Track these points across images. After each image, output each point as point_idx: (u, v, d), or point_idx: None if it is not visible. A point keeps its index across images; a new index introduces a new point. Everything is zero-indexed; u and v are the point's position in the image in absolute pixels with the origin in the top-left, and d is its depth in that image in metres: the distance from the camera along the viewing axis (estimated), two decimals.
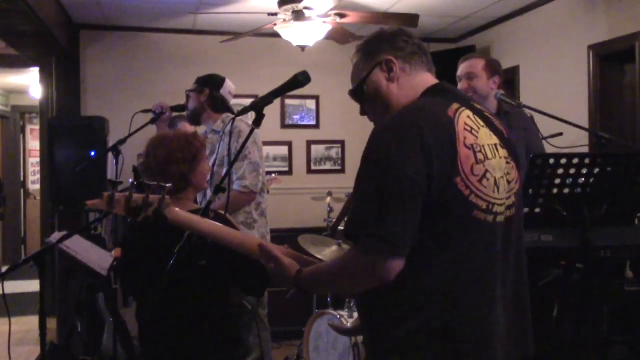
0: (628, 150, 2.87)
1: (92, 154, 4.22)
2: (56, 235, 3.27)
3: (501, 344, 1.38)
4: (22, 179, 9.21)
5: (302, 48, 4.16)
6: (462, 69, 2.97)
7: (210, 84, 3.27)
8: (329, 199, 4.59)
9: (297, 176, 5.53)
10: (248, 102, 1.89)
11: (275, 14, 3.97)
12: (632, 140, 3.76)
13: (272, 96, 1.70)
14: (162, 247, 1.84)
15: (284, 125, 5.56)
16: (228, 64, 5.01)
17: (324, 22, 3.99)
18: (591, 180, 2.39)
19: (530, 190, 2.38)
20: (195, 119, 3.33)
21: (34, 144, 9.28)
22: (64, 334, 4.54)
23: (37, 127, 7.56)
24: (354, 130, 5.35)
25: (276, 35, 4.16)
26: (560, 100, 4.26)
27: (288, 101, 5.51)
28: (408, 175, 1.28)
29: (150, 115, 3.39)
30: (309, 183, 5.51)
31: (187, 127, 3.66)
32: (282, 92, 1.71)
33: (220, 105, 3.27)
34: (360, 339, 3.25)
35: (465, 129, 1.36)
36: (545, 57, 4.50)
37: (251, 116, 1.71)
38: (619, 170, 2.39)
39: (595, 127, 3.86)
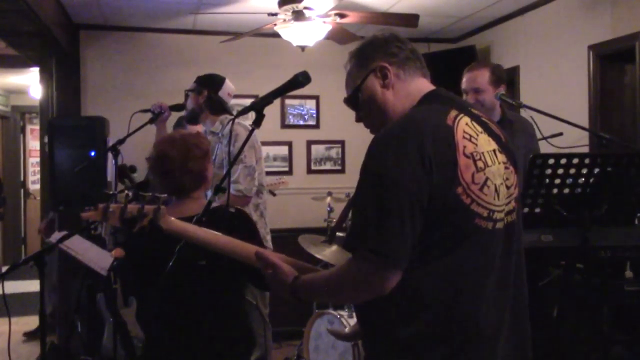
0: (628, 150, 2.87)
1: (92, 154, 4.22)
2: (56, 235, 3.27)
3: (500, 349, 1.38)
4: (22, 179, 9.22)
5: (302, 48, 4.16)
6: (467, 83, 2.96)
7: (209, 85, 3.27)
8: (329, 199, 4.59)
9: (297, 176, 5.53)
10: (248, 102, 1.89)
11: (275, 14, 3.97)
12: (632, 140, 3.76)
13: (272, 96, 1.70)
14: (164, 247, 1.84)
15: (284, 125, 5.56)
16: (228, 64, 5.00)
17: (324, 22, 3.99)
18: (591, 180, 2.39)
19: (530, 190, 2.38)
20: (193, 119, 3.33)
21: (34, 144, 9.28)
22: (64, 334, 4.54)
23: (37, 127, 7.55)
24: (354, 130, 5.29)
25: (276, 35, 4.16)
26: (560, 100, 4.26)
27: (288, 101, 5.52)
28: (407, 187, 1.28)
29: (149, 115, 3.39)
30: (309, 183, 5.51)
31: (195, 127, 3.67)
32: (282, 92, 1.71)
33: (218, 107, 3.27)
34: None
35: (464, 137, 1.36)
36: (545, 57, 4.50)
37: (251, 116, 1.71)
38: (619, 170, 2.39)
39: (595, 127, 3.86)
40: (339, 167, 5.67)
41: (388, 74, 1.50)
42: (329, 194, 4.62)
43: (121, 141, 3.14)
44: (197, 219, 1.72)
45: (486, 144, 1.40)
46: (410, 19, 3.83)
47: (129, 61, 5.23)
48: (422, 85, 1.53)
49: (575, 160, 2.35)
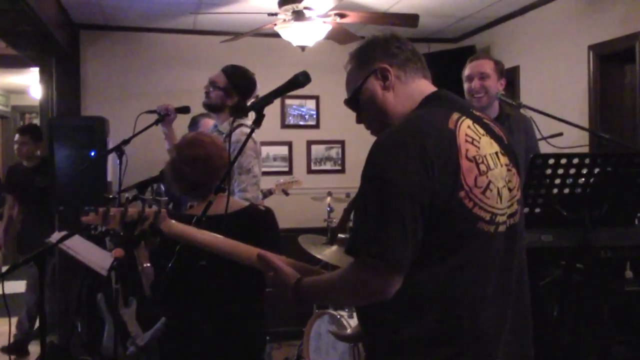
0: (628, 150, 2.87)
1: (92, 154, 4.22)
2: (56, 235, 3.27)
3: (501, 350, 1.38)
4: None
5: (302, 48, 4.16)
6: (472, 68, 2.95)
7: (241, 92, 3.17)
8: (329, 199, 4.59)
9: (297, 176, 5.52)
10: (248, 102, 1.89)
11: (275, 14, 3.97)
12: (632, 140, 3.76)
13: (272, 96, 1.69)
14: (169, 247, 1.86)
15: (284, 125, 5.56)
16: (228, 64, 4.99)
17: (324, 22, 3.99)
18: (591, 180, 2.39)
19: (531, 190, 2.38)
20: (211, 110, 3.30)
21: None
22: (64, 334, 4.54)
23: None
24: (354, 130, 5.26)
25: (276, 35, 4.16)
26: (560, 100, 4.26)
27: (288, 101, 5.51)
28: (409, 192, 1.27)
29: (154, 116, 3.38)
30: (309, 183, 5.50)
31: (209, 124, 3.67)
32: (282, 92, 1.70)
33: (240, 114, 3.23)
34: None
35: (466, 141, 1.35)
36: (545, 57, 4.50)
37: (251, 116, 1.71)
38: (619, 170, 2.39)
39: (595, 127, 3.86)
40: (339, 167, 5.67)
41: (389, 76, 1.49)
42: (329, 194, 4.62)
43: (126, 141, 3.12)
44: (197, 219, 1.72)
45: (488, 146, 1.39)
46: (410, 19, 3.83)
47: (129, 61, 5.23)
48: (424, 86, 1.52)
49: (576, 160, 2.34)
